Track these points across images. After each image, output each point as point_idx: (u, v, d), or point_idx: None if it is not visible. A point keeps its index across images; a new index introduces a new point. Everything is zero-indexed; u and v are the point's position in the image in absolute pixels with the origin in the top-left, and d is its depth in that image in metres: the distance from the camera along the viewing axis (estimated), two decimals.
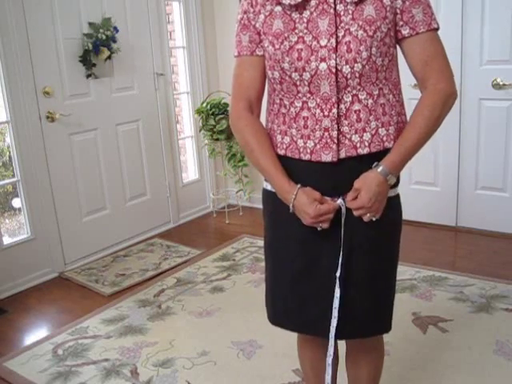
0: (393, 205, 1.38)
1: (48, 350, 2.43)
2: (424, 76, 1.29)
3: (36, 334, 2.63)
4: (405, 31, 1.26)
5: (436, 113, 1.27)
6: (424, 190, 3.65)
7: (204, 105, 3.90)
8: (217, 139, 3.90)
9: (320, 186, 1.30)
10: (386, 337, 2.25)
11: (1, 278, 3.00)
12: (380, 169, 1.27)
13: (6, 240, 3.09)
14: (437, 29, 1.28)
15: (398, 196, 1.41)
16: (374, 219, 1.29)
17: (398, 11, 1.25)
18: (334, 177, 1.31)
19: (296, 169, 1.33)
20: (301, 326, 1.45)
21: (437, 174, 3.58)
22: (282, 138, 1.34)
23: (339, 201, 1.30)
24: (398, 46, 1.33)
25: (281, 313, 1.46)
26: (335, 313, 1.34)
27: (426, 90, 1.29)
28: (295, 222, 1.35)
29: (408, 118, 1.35)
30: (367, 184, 1.26)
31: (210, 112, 3.83)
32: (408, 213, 3.65)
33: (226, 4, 4.01)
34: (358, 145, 1.27)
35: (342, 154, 1.28)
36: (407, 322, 2.44)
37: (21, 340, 2.58)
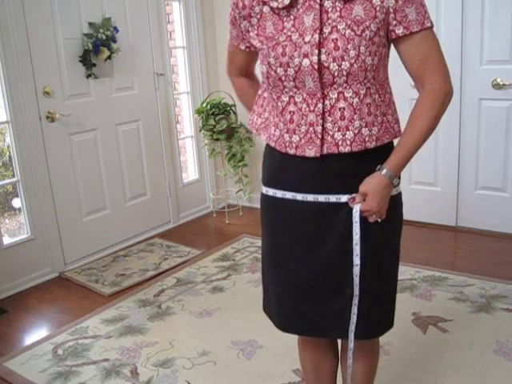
0: (396, 203, 1.39)
1: (48, 350, 2.43)
2: (420, 75, 1.29)
3: (36, 333, 2.63)
4: (398, 31, 1.25)
5: (434, 113, 1.27)
6: (424, 189, 3.65)
7: (204, 105, 3.90)
8: (217, 139, 3.90)
9: (305, 181, 1.33)
10: (386, 337, 2.25)
11: (1, 278, 3.00)
12: (384, 172, 1.28)
13: (6, 240, 3.08)
14: (430, 27, 1.27)
15: (400, 194, 1.42)
16: (379, 220, 1.31)
17: (391, 10, 1.23)
18: (318, 172, 1.32)
19: (284, 162, 1.35)
20: (312, 330, 1.45)
21: (437, 174, 3.58)
22: (274, 131, 1.37)
23: (344, 198, 1.31)
24: (391, 46, 1.32)
25: (290, 319, 1.45)
26: (355, 300, 1.34)
27: (424, 91, 1.29)
28: (298, 225, 1.35)
29: (396, 117, 1.35)
30: (374, 188, 1.27)
31: (210, 112, 3.83)
32: (408, 213, 3.63)
33: (226, 4, 3.99)
34: (340, 143, 1.27)
35: (324, 150, 1.29)
36: (407, 322, 2.44)
37: (21, 340, 2.58)
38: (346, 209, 1.32)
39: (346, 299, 1.36)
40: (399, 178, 1.39)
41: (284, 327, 1.49)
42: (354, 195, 1.30)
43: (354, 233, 1.30)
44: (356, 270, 1.32)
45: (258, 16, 1.32)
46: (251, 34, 1.35)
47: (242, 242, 3.61)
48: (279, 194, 1.38)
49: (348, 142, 1.27)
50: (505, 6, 3.08)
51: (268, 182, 1.42)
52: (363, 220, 1.31)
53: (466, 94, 3.33)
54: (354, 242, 1.31)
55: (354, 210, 1.30)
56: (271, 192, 1.41)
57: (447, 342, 2.28)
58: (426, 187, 3.64)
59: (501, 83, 3.19)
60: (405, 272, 2.94)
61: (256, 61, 1.51)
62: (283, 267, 1.42)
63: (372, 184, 1.28)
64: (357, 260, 1.32)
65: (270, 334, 2.32)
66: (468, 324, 2.40)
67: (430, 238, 3.48)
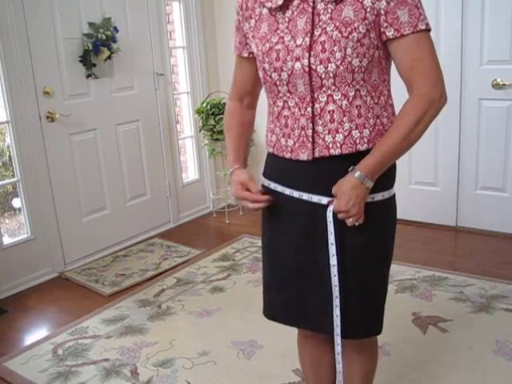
0: (387, 208, 1.38)
1: (48, 350, 2.43)
2: (409, 80, 1.26)
3: (36, 333, 2.63)
4: (389, 33, 1.23)
5: (415, 118, 1.23)
6: (424, 189, 3.65)
7: (204, 105, 3.90)
8: (217, 139, 3.90)
9: (300, 184, 1.34)
10: (386, 337, 2.26)
11: (1, 277, 3.00)
12: (357, 174, 1.25)
13: (6, 240, 3.08)
14: (425, 30, 1.23)
15: (393, 197, 1.40)
16: (356, 224, 1.29)
17: (383, 12, 1.21)
18: (311, 175, 1.33)
19: (282, 166, 1.38)
20: (296, 319, 1.46)
21: (437, 174, 3.58)
22: (271, 137, 1.40)
23: (323, 200, 1.32)
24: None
25: (276, 307, 1.47)
26: (336, 302, 1.33)
27: (411, 95, 1.26)
28: (292, 218, 1.37)
29: (394, 120, 1.34)
30: (342, 188, 1.27)
31: (210, 112, 3.83)
32: (408, 213, 3.69)
33: (226, 4, 4.01)
34: (331, 145, 1.28)
35: (316, 154, 1.29)
36: (407, 322, 2.44)
37: (21, 340, 2.58)
38: (326, 210, 1.32)
39: (325, 298, 1.36)
40: (393, 180, 1.38)
41: (267, 315, 1.50)
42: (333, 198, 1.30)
43: (328, 233, 1.31)
44: (334, 270, 1.31)
45: (257, 17, 1.34)
46: (249, 36, 1.37)
47: (242, 242, 3.61)
48: (272, 185, 1.42)
49: (338, 145, 1.27)
50: (505, 6, 3.08)
51: (265, 173, 1.47)
52: (342, 222, 1.30)
53: (466, 94, 3.33)
54: (330, 242, 1.31)
55: (327, 210, 1.31)
56: (266, 182, 1.44)
57: (447, 341, 2.28)
58: (425, 187, 3.64)
59: (501, 83, 3.19)
60: (405, 272, 2.94)
61: (260, 85, 1.46)
62: (274, 257, 1.45)
63: (341, 184, 1.27)
64: (333, 260, 1.31)
65: (270, 334, 2.33)
66: (468, 324, 2.40)
67: (430, 237, 3.48)
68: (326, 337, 1.58)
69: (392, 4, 1.21)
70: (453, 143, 3.45)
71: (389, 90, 1.35)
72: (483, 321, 2.42)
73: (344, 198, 1.26)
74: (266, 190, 1.45)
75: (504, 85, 3.18)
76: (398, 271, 2.93)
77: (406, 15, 1.21)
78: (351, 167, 1.28)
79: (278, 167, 1.41)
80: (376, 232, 1.35)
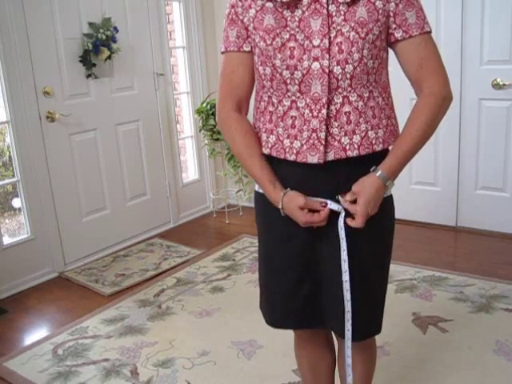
0: (387, 206, 1.38)
1: (48, 350, 2.43)
2: (418, 79, 1.28)
3: (36, 333, 2.63)
4: (398, 34, 1.25)
5: (431, 116, 1.27)
6: (424, 189, 3.65)
7: (204, 105, 3.90)
8: (217, 139, 3.90)
9: (304, 188, 1.30)
10: (386, 337, 2.27)
11: (1, 277, 3.00)
12: (378, 173, 1.25)
13: (6, 240, 3.08)
14: (429, 32, 1.27)
15: (391, 197, 1.40)
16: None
17: (391, 14, 1.24)
18: (319, 179, 1.29)
19: (280, 169, 1.32)
20: (303, 323, 1.45)
21: (437, 174, 3.58)
22: (268, 137, 1.32)
23: (331, 205, 1.28)
24: (389, 50, 1.32)
25: (282, 314, 1.45)
26: (348, 316, 1.32)
27: (422, 94, 1.28)
28: (290, 222, 1.34)
29: (398, 120, 1.35)
30: (365, 190, 1.25)
31: (210, 112, 3.83)
32: (408, 213, 3.69)
33: (226, 4, 4.01)
34: (348, 147, 1.26)
35: (331, 156, 1.26)
36: (407, 322, 2.44)
37: (21, 340, 2.58)
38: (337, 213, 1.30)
39: (330, 295, 1.36)
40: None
41: (274, 324, 1.48)
42: (346, 195, 1.28)
43: (341, 249, 1.29)
44: (345, 265, 1.29)
45: (258, 8, 1.29)
46: (250, 27, 1.31)
47: (242, 241, 3.61)
48: None
49: (355, 146, 1.26)
50: (505, 6, 3.08)
51: None
52: (348, 227, 1.28)
53: (466, 93, 3.33)
54: (342, 258, 1.29)
55: (339, 227, 1.28)
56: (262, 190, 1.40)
57: (447, 341, 2.28)
58: (426, 187, 3.64)
59: (501, 83, 3.19)
60: (405, 272, 2.94)
61: (252, 89, 1.40)
62: (276, 264, 1.42)
63: (365, 184, 1.26)
64: (346, 276, 1.29)
65: (270, 334, 2.33)
66: (468, 324, 2.40)
67: (430, 237, 3.48)
68: (323, 339, 1.58)
69: (400, 6, 1.23)
70: (453, 143, 3.45)
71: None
72: (483, 321, 2.42)
73: (367, 201, 1.24)
74: (259, 197, 1.42)
75: (504, 85, 3.18)
76: (398, 271, 2.93)
77: (414, 17, 1.24)
78: (373, 167, 1.27)
79: (275, 170, 1.34)
80: (378, 229, 1.35)
